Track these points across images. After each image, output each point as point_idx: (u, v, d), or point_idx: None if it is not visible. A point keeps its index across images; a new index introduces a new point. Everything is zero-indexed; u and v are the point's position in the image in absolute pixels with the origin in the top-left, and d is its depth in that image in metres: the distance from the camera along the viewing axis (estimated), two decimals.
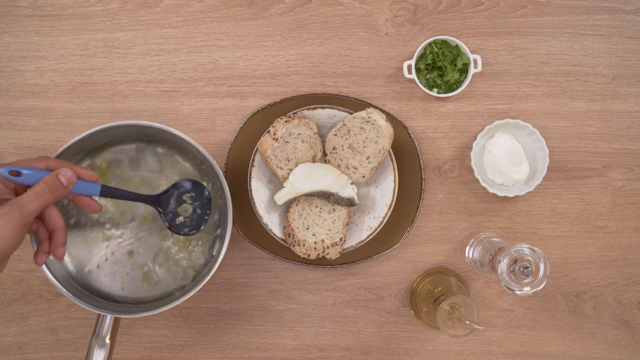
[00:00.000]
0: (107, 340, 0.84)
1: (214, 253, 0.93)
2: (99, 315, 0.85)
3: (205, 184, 0.91)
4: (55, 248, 0.78)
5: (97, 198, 0.89)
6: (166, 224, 0.88)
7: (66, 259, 0.91)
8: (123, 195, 0.83)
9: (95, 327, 0.85)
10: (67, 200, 0.86)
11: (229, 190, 0.88)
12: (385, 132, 0.91)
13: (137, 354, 1.01)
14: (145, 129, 0.89)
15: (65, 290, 0.87)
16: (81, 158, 0.92)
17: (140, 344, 1.01)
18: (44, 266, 0.86)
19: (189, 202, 0.89)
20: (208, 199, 0.89)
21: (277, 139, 0.91)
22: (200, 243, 0.93)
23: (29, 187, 0.75)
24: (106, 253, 0.92)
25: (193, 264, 0.93)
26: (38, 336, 1.01)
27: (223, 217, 0.93)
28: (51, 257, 0.88)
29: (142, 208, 0.92)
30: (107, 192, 0.81)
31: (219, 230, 0.93)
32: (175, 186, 0.88)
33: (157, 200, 0.87)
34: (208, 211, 0.89)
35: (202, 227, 0.89)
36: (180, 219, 0.88)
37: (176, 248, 0.93)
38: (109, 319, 0.85)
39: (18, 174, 0.73)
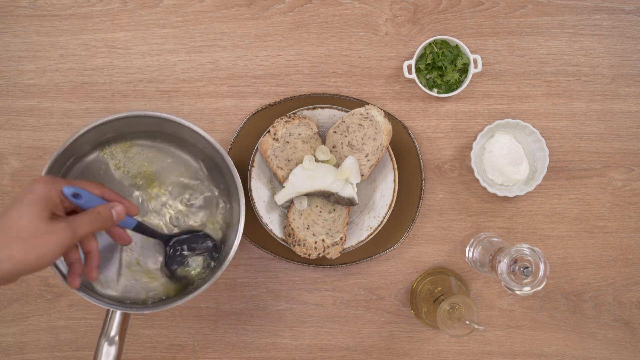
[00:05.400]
0: (116, 338, 0.81)
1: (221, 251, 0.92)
2: (108, 311, 0.82)
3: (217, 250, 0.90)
4: (90, 271, 0.78)
5: (128, 231, 0.87)
6: (166, 265, 0.88)
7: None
8: (152, 233, 0.85)
9: (104, 324, 0.81)
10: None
11: (242, 184, 0.87)
12: (383, 128, 0.91)
13: (137, 354, 1.01)
14: (161, 123, 0.88)
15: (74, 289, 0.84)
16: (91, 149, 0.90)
17: (140, 344, 1.01)
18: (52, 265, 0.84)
19: (204, 261, 0.89)
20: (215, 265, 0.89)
21: (277, 139, 0.91)
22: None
23: (80, 209, 0.74)
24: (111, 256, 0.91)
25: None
26: (38, 336, 1.01)
27: (234, 217, 0.92)
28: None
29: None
30: (139, 227, 0.82)
31: (219, 212, 0.92)
32: (195, 236, 0.89)
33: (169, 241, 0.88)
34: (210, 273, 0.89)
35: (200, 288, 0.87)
36: (186, 269, 0.89)
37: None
38: (118, 315, 0.82)
39: (78, 196, 0.72)
